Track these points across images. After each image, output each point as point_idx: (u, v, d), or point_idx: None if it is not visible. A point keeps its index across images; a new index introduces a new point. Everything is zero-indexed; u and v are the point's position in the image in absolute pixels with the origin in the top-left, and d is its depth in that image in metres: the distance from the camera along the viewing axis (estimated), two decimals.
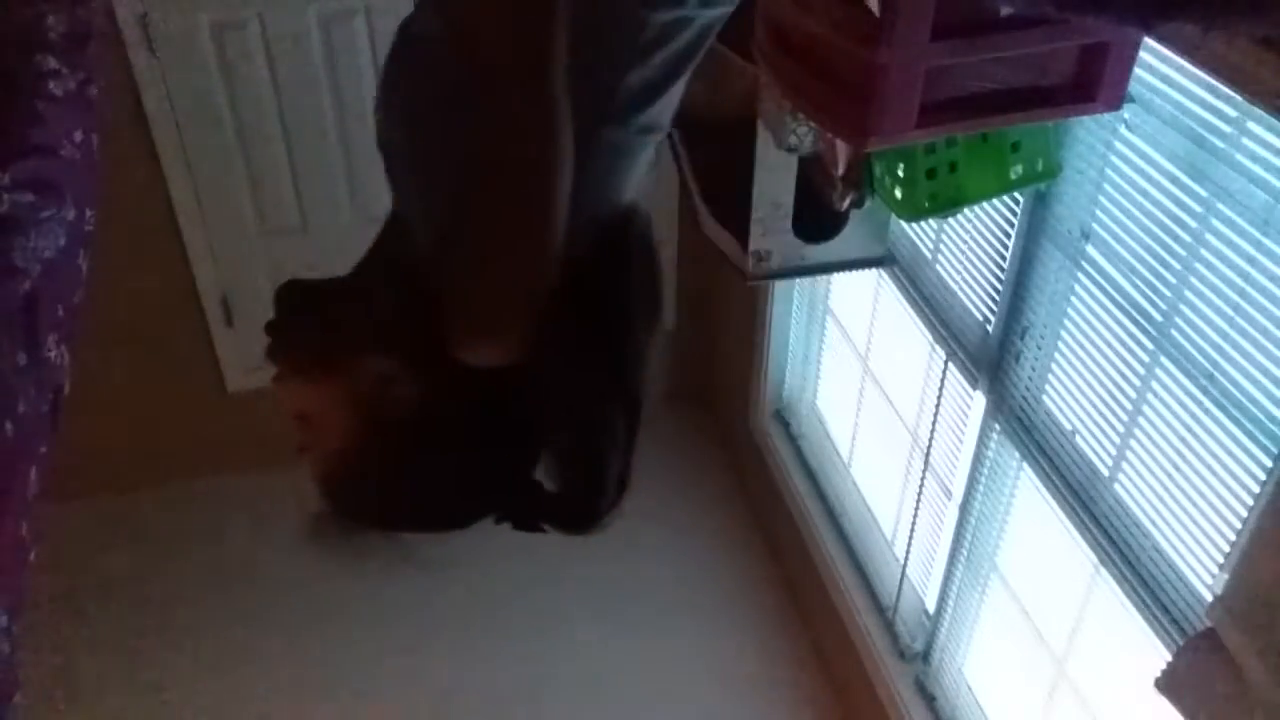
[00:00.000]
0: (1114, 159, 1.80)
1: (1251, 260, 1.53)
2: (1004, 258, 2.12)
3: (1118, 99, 1.65)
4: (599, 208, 0.93)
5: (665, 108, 0.97)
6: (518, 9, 0.81)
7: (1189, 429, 1.69)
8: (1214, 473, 1.64)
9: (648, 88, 0.92)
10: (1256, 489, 1.53)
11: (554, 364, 0.89)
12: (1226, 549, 1.60)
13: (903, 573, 2.78)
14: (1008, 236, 2.10)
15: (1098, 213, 1.86)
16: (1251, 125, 1.51)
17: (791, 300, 3.25)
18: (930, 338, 2.49)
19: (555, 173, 0.82)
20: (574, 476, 0.95)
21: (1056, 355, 2.04)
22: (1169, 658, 1.55)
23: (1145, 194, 1.73)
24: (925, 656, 2.76)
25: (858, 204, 2.31)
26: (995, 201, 2.09)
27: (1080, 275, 1.93)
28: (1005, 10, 1.45)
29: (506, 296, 0.86)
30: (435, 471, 0.97)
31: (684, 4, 0.89)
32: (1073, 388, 2.00)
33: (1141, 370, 1.79)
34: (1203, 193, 1.61)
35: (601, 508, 0.93)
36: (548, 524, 0.96)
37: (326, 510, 1.01)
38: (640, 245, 0.98)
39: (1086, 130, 1.86)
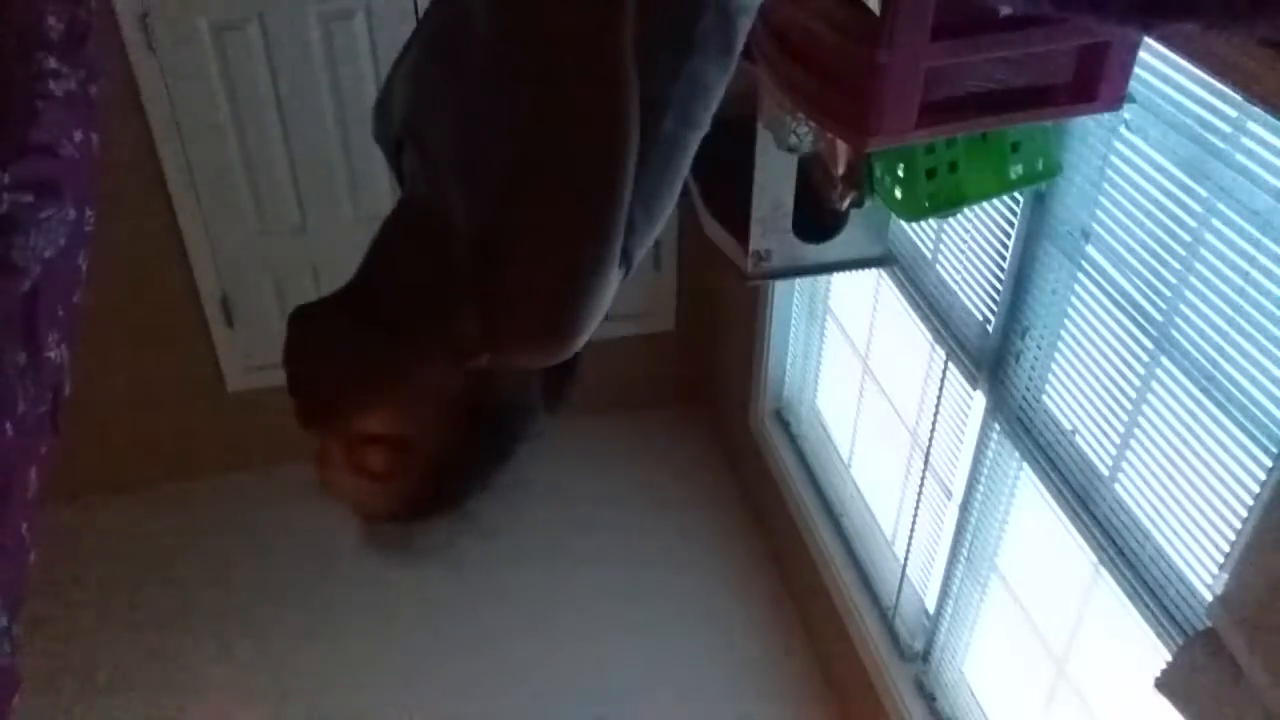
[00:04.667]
0: (1114, 159, 1.80)
1: (1251, 260, 1.53)
2: (1004, 258, 2.12)
3: (1118, 99, 1.65)
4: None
5: (711, 105, 0.95)
6: None
7: (1189, 429, 1.69)
8: (1214, 473, 1.64)
9: (702, 80, 0.90)
10: (1256, 489, 1.53)
11: None
12: (1226, 549, 1.60)
13: (903, 573, 2.78)
14: (1008, 236, 2.10)
15: (1098, 213, 1.86)
16: (1251, 125, 1.51)
17: (791, 300, 3.25)
18: (930, 338, 2.49)
19: (624, 155, 0.80)
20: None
21: (1056, 355, 2.04)
22: (1169, 658, 1.55)
23: (1145, 194, 1.73)
24: (925, 656, 2.76)
25: (858, 204, 2.31)
26: (995, 201, 2.09)
27: (1080, 275, 1.93)
28: (1005, 10, 1.45)
29: (568, 288, 0.82)
30: (508, 424, 0.99)
31: None
32: (1073, 388, 2.00)
33: (1141, 370, 1.79)
34: (1203, 193, 1.61)
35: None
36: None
37: (391, 523, 1.00)
38: None
39: (1086, 130, 1.85)
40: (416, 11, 3.00)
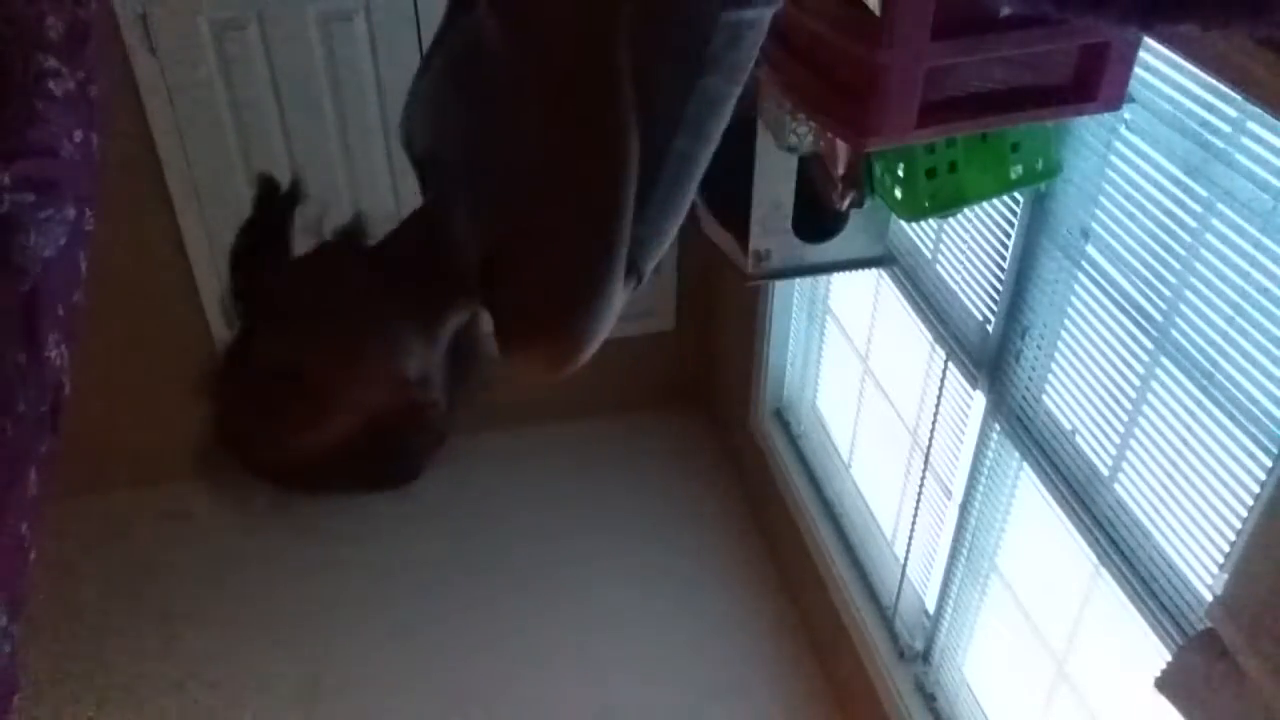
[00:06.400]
0: (1114, 159, 1.80)
1: (1251, 260, 1.53)
2: (1004, 258, 2.12)
3: (1118, 99, 1.65)
4: None
5: (722, 121, 0.96)
6: (580, 10, 0.81)
7: (1189, 429, 1.69)
8: (1214, 473, 1.64)
9: (712, 98, 0.92)
10: (1256, 489, 1.53)
11: None
12: (1226, 549, 1.60)
13: (903, 573, 2.78)
14: (1008, 236, 2.10)
15: (1098, 213, 1.86)
16: (1251, 125, 1.51)
17: (791, 300, 3.24)
18: (930, 338, 2.49)
19: (624, 170, 0.82)
20: None
21: (1056, 355, 2.04)
22: (1169, 658, 1.56)
23: (1145, 194, 1.73)
24: (925, 656, 2.76)
25: (858, 204, 2.31)
26: (995, 201, 2.09)
27: (1080, 275, 1.93)
28: (1005, 10, 1.45)
29: (575, 300, 0.84)
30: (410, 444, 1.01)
31: (753, 3, 0.89)
32: (1073, 388, 2.00)
33: (1141, 370, 1.79)
34: (1203, 193, 1.61)
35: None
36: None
37: (242, 466, 0.99)
38: None
39: (1086, 130, 1.85)
40: (416, 12, 3.00)
